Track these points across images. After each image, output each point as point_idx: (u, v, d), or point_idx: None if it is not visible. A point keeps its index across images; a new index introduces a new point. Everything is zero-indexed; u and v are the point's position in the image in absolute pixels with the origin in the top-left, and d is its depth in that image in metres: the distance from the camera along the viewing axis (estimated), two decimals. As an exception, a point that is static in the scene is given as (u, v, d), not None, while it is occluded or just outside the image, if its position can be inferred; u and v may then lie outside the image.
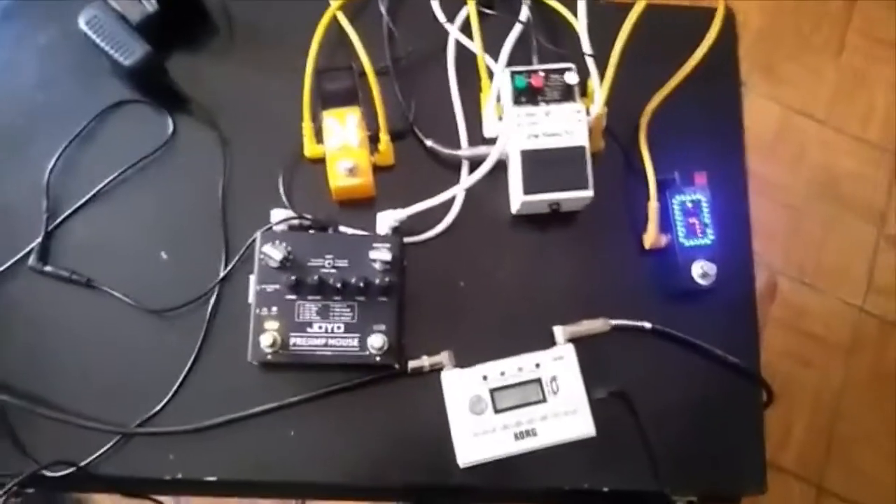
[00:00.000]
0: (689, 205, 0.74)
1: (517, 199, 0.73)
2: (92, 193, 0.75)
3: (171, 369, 0.71)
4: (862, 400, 1.59)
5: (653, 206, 0.75)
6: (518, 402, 0.69)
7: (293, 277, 0.68)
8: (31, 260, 0.72)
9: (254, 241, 0.71)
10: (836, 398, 1.59)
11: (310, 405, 0.71)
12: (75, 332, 0.72)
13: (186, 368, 0.71)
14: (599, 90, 0.73)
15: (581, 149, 0.72)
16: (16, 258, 0.73)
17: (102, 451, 0.69)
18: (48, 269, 0.72)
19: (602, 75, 0.74)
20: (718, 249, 0.73)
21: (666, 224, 0.75)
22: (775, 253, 1.68)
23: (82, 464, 0.68)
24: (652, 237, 0.75)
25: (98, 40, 0.73)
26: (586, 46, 0.73)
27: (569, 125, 0.72)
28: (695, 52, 0.77)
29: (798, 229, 1.71)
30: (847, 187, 1.73)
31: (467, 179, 0.74)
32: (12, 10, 0.80)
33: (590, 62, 0.74)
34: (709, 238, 0.73)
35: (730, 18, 0.81)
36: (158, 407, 0.70)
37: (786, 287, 1.66)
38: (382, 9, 0.80)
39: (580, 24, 0.75)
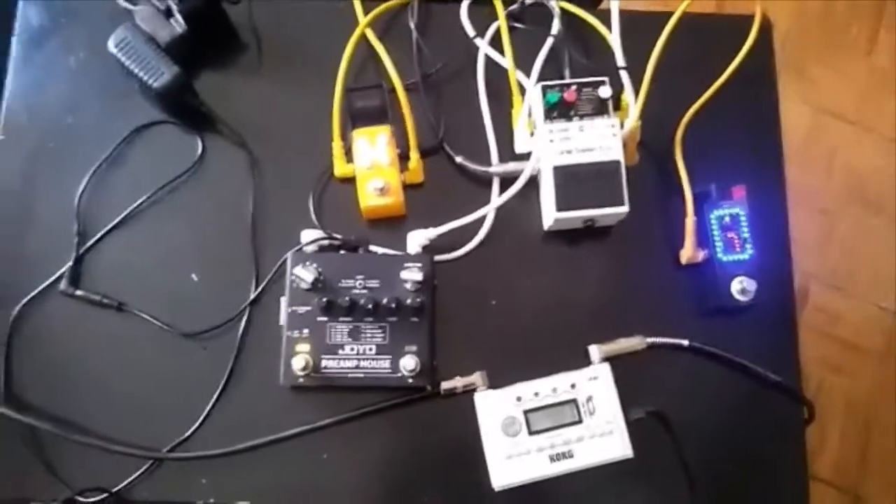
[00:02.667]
0: (728, 219, 0.72)
1: (550, 215, 0.72)
2: (122, 216, 0.75)
3: (202, 393, 0.71)
4: (894, 407, 1.56)
5: (689, 221, 0.73)
6: (553, 423, 0.68)
7: (324, 299, 0.67)
8: (63, 284, 0.72)
9: (284, 261, 0.70)
10: (869, 405, 1.56)
11: (342, 428, 0.70)
12: (107, 355, 0.72)
13: (218, 392, 0.71)
14: (634, 104, 0.72)
15: (616, 164, 0.70)
16: (47, 282, 0.73)
17: (135, 476, 0.69)
18: (79, 293, 0.72)
19: (636, 88, 0.72)
20: (757, 264, 0.72)
21: (703, 239, 0.73)
22: (806, 257, 1.64)
23: (115, 489, 0.68)
24: (689, 253, 0.73)
25: (127, 62, 0.73)
26: (620, 59, 0.72)
27: (603, 140, 0.71)
28: (731, 61, 0.75)
29: (830, 233, 1.67)
30: (879, 189, 1.69)
31: (499, 198, 0.73)
32: (43, 34, 0.80)
33: (624, 75, 0.73)
34: (748, 253, 0.72)
35: (766, 26, 0.79)
36: (190, 431, 0.70)
37: (817, 292, 1.63)
38: (412, 24, 0.79)
39: (613, 36, 0.74)
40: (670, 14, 0.73)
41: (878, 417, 1.56)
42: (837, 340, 1.60)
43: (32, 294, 0.72)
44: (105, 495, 0.68)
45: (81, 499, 0.67)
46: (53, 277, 0.73)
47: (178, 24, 0.75)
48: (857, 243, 1.66)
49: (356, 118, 0.75)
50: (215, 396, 0.71)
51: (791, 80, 1.67)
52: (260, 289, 0.73)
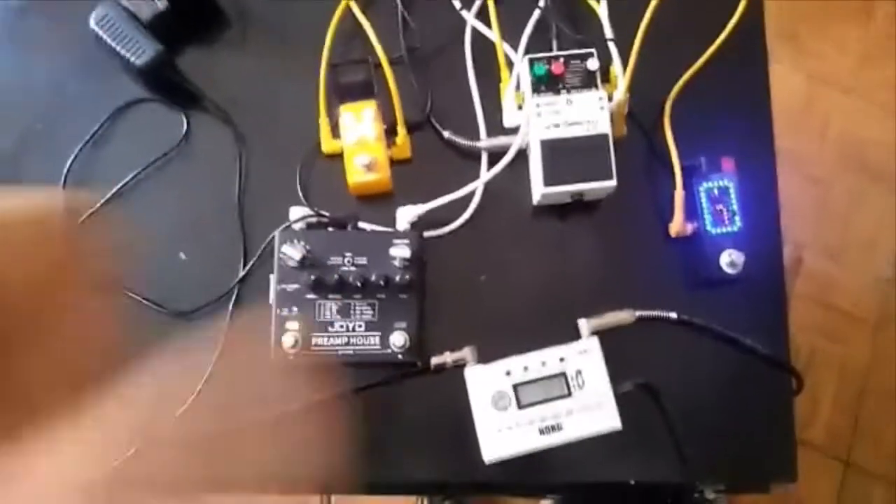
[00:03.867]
0: (716, 192, 0.72)
1: (538, 190, 0.71)
2: (108, 195, 0.74)
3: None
4: (889, 375, 1.57)
5: (679, 194, 0.73)
6: (542, 397, 0.68)
7: (313, 277, 0.67)
8: (50, 264, 0.72)
9: (272, 239, 0.70)
10: (863, 373, 1.57)
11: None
12: (96, 334, 0.72)
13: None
14: (622, 76, 0.71)
15: (604, 137, 0.70)
16: (35, 262, 0.72)
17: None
18: (68, 272, 0.72)
19: (624, 59, 0.71)
20: (746, 237, 0.71)
21: (692, 212, 0.73)
22: (800, 226, 1.65)
23: (109, 467, 0.68)
24: (678, 226, 0.73)
25: (109, 40, 0.72)
26: (608, 31, 0.71)
27: (591, 113, 0.70)
28: (721, 31, 0.75)
29: (824, 202, 1.67)
30: (874, 158, 1.69)
31: (487, 173, 0.73)
32: (24, 10, 0.79)
33: (612, 47, 0.72)
34: (736, 226, 0.71)
35: (756, -4, 0.78)
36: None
37: (811, 261, 1.64)
38: (397, -3, 0.78)
39: (601, 7, 0.73)
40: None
41: (871, 385, 1.58)
42: (831, 308, 1.61)
43: (20, 274, 0.72)
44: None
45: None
46: (40, 258, 0.72)
47: (160, 1, 0.74)
48: (850, 212, 1.66)
49: (342, 93, 0.74)
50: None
51: (785, 48, 1.66)
52: (248, 267, 0.73)
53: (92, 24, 0.73)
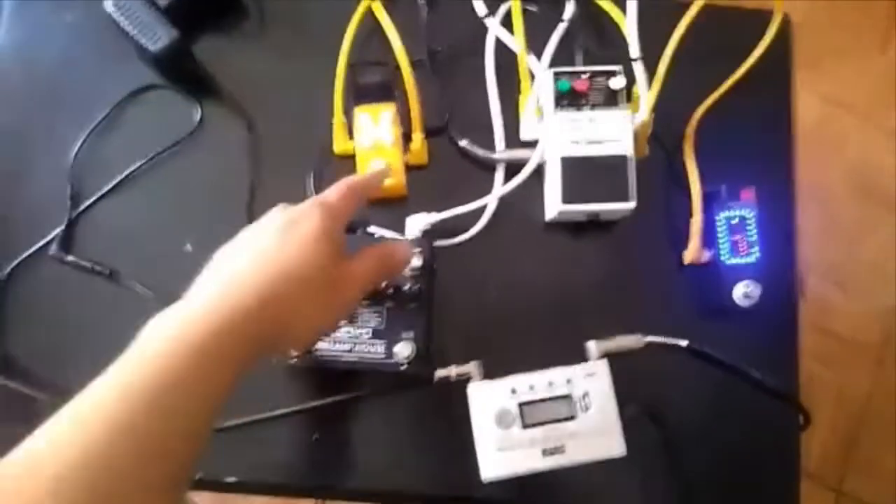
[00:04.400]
0: (736, 221, 0.71)
1: (554, 207, 0.70)
2: (117, 181, 0.73)
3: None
4: (888, 405, 1.56)
5: (697, 220, 0.71)
6: (547, 417, 0.67)
7: (320, 280, 0.66)
8: (53, 249, 0.71)
9: (281, 238, 0.68)
10: (860, 402, 1.57)
11: (334, 410, 0.70)
12: (97, 324, 0.71)
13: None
14: (646, 96, 0.70)
15: (624, 158, 0.69)
16: (37, 246, 0.71)
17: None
18: (70, 258, 0.71)
19: (650, 79, 0.70)
20: (762, 269, 0.70)
21: (709, 239, 0.72)
22: (806, 249, 1.63)
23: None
24: (693, 253, 0.71)
25: (124, 24, 0.70)
26: (635, 50, 0.69)
27: (613, 132, 0.69)
28: (747, 56, 0.73)
29: (831, 226, 1.66)
30: (884, 185, 1.68)
31: (502, 188, 0.71)
32: (38, -12, 0.77)
33: (638, 66, 0.70)
34: (753, 257, 0.70)
35: (786, 23, 0.76)
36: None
37: (815, 284, 1.62)
38: (421, -1, 0.76)
39: (629, 24, 0.71)
40: (688, 3, 0.70)
41: (867, 415, 1.57)
42: (831, 334, 1.60)
43: (21, 257, 0.71)
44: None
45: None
46: (44, 241, 0.71)
47: (179, -14, 0.72)
48: (858, 238, 1.65)
49: (359, 94, 0.72)
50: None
51: (802, 69, 1.64)
52: (255, 265, 0.71)
53: (108, 6, 0.71)
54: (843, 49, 1.71)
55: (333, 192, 0.55)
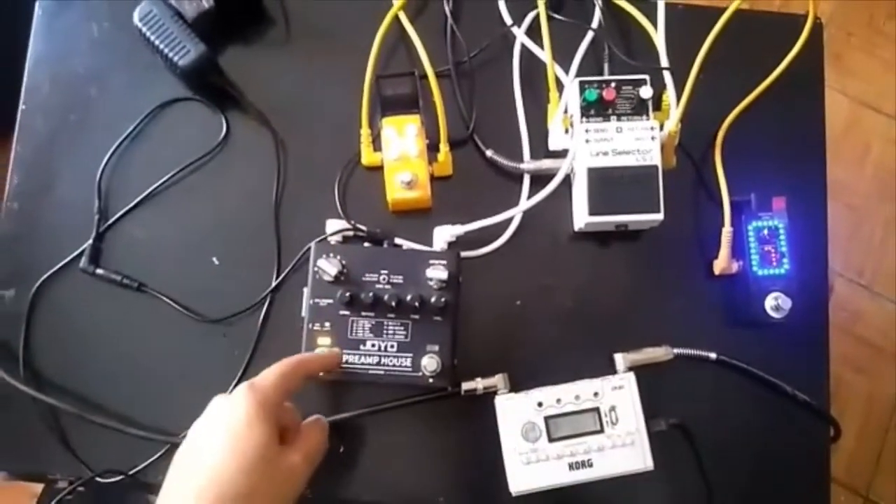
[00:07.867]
0: (766, 232, 0.70)
1: (581, 218, 0.69)
2: (144, 195, 0.73)
3: (221, 379, 0.70)
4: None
5: (726, 230, 0.70)
6: (574, 431, 0.66)
7: (347, 293, 0.66)
8: (83, 262, 0.71)
9: (307, 250, 0.68)
10: (889, 408, 1.54)
11: (360, 422, 0.70)
12: (126, 336, 0.72)
13: (236, 379, 0.70)
14: (676, 107, 0.69)
15: (653, 169, 0.68)
16: (66, 260, 0.72)
17: (152, 459, 0.68)
18: (99, 271, 0.71)
19: (678, 88, 0.69)
20: (793, 280, 0.69)
21: (739, 250, 0.71)
22: (833, 253, 1.60)
23: (132, 472, 0.68)
24: (723, 264, 0.71)
25: (152, 37, 0.71)
26: (664, 59, 0.68)
27: (641, 143, 0.68)
28: (777, 62, 0.72)
29: (857, 229, 1.64)
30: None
31: (529, 201, 0.71)
32: (68, 1, 0.78)
33: (667, 76, 0.70)
34: (784, 268, 0.69)
35: (817, 28, 0.75)
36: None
37: (842, 289, 1.60)
38: (447, 9, 0.76)
39: (658, 33, 0.71)
40: (717, 9, 0.69)
41: (896, 420, 1.55)
42: (860, 339, 1.58)
43: (51, 271, 0.72)
44: (121, 477, 0.68)
45: (100, 479, 0.68)
46: (73, 255, 0.72)
47: (206, 0, 0.72)
48: (885, 241, 1.62)
49: (386, 105, 0.72)
50: (234, 383, 0.70)
51: (829, 68, 1.61)
52: (282, 277, 0.71)
53: (136, 19, 0.71)
54: (871, 45, 1.69)
55: (267, 375, 0.57)
